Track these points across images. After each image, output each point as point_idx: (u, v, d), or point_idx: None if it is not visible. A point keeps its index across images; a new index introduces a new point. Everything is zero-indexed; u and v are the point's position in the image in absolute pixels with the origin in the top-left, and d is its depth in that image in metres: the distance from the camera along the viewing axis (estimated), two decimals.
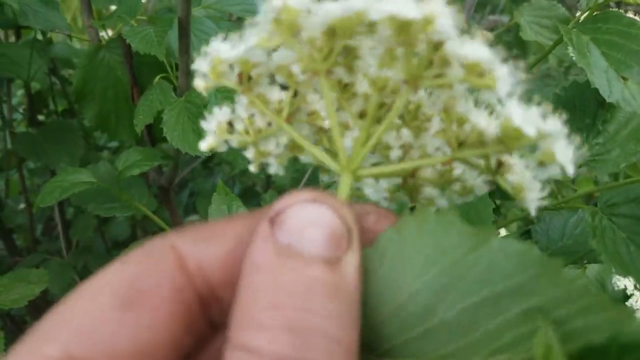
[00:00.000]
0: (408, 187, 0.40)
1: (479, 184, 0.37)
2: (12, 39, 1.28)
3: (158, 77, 0.75)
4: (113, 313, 0.27)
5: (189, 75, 0.73)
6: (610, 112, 0.55)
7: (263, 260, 0.28)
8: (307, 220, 0.28)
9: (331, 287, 0.27)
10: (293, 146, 0.40)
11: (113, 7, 1.27)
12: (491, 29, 1.93)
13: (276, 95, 0.37)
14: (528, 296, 0.27)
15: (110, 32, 1.01)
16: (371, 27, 0.31)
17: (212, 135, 0.38)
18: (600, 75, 0.50)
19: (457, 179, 0.37)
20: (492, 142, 0.32)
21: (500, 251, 0.27)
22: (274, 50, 0.34)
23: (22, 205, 1.64)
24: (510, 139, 0.30)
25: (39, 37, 1.14)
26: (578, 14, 0.62)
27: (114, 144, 1.59)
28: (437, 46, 0.30)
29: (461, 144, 0.33)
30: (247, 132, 0.38)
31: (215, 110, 0.37)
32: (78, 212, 1.39)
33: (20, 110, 1.59)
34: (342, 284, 0.28)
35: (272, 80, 0.37)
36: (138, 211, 0.78)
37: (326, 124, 0.38)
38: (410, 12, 0.28)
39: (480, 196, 0.59)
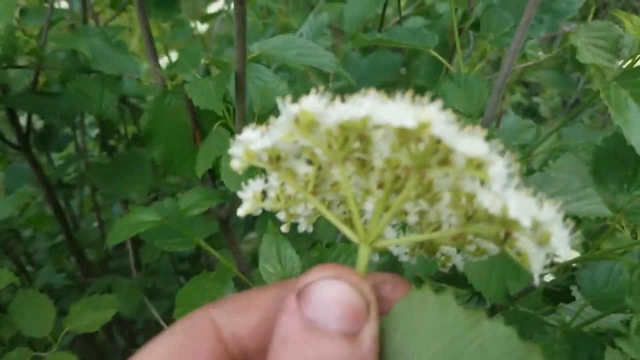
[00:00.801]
0: (427, 244, 0.44)
1: (491, 247, 0.40)
2: None
3: (217, 124, 0.80)
4: None
5: (246, 121, 0.78)
6: None
7: (289, 334, 0.31)
8: (329, 297, 0.32)
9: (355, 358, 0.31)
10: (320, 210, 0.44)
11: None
12: (552, 39, 1.90)
13: (303, 169, 0.42)
14: None
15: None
16: (377, 126, 0.35)
17: (248, 203, 0.44)
18: (637, 131, 0.50)
19: (471, 242, 0.41)
20: (497, 220, 0.35)
21: (490, 333, 0.31)
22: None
23: (95, 224, 1.73)
24: (510, 223, 0.34)
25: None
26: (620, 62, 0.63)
27: None
28: (438, 140, 0.34)
29: (470, 218, 0.37)
30: (278, 199, 0.43)
31: (250, 181, 0.43)
32: None
33: (93, 134, 1.68)
34: (359, 357, 0.31)
35: (299, 155, 0.42)
36: (201, 246, 0.83)
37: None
38: (407, 121, 0.32)
39: None
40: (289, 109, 0.36)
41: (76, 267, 1.51)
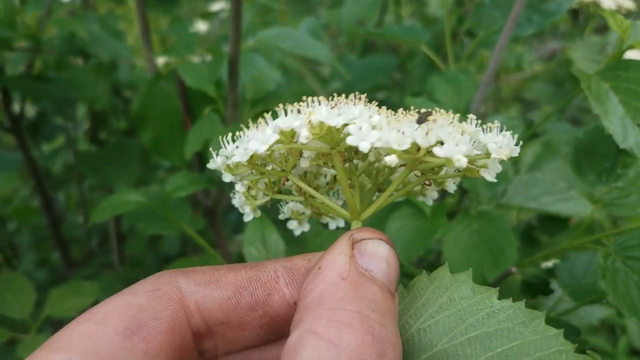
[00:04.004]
0: None
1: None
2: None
3: (208, 109, 0.80)
4: (115, 338, 0.33)
5: (237, 107, 0.78)
6: (631, 157, 0.57)
7: (346, 274, 0.34)
8: (382, 255, 0.35)
9: (394, 315, 0.34)
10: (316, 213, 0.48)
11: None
12: (549, 58, 1.92)
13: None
14: (511, 339, 0.34)
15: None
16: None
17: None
18: (616, 122, 0.51)
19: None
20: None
21: (499, 305, 0.35)
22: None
23: (79, 220, 1.73)
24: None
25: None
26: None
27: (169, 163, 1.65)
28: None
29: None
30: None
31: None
32: (133, 227, 1.46)
33: (84, 128, 1.68)
34: (395, 313, 0.35)
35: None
36: (185, 231, 0.83)
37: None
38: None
39: (504, 235, 0.62)
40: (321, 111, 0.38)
41: (59, 261, 1.50)
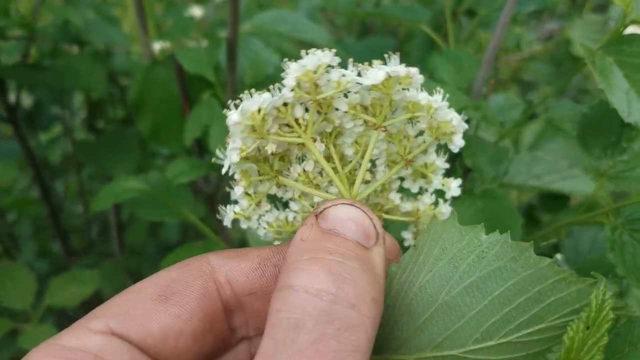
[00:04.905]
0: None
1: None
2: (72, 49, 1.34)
3: (207, 94, 0.79)
4: (150, 303, 0.35)
5: (236, 92, 0.78)
6: (636, 130, 0.57)
7: (308, 235, 0.35)
8: (346, 215, 0.35)
9: (362, 259, 0.34)
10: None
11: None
12: (547, 38, 1.91)
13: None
14: (506, 279, 0.33)
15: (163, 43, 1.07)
16: None
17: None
18: (621, 96, 0.51)
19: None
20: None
21: (487, 242, 0.34)
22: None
23: (80, 208, 1.72)
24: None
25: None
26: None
27: (167, 150, 1.64)
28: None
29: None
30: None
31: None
32: (132, 215, 1.45)
33: (81, 115, 1.66)
34: (371, 262, 0.34)
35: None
36: (186, 218, 0.83)
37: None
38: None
39: (509, 213, 0.61)
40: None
41: (59, 251, 1.49)
